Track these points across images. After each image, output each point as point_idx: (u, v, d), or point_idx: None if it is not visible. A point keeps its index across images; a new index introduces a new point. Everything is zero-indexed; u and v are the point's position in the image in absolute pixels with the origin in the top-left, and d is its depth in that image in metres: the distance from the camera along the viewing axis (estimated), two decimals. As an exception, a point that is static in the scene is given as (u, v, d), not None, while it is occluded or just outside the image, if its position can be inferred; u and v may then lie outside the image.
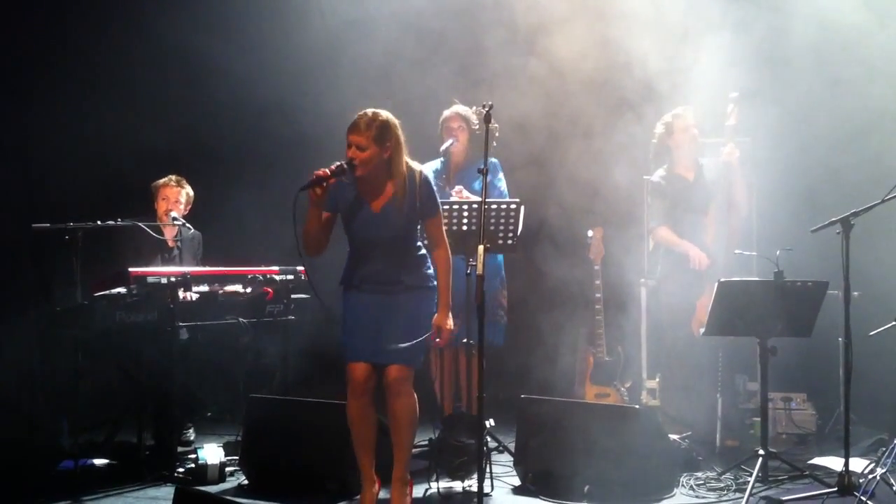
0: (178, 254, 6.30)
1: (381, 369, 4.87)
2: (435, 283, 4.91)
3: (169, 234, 6.40)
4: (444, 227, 4.99)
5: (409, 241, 4.90)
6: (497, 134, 6.14)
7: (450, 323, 4.86)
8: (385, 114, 4.77)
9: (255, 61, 7.42)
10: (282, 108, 7.47)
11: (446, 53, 6.92)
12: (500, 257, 6.15)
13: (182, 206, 6.42)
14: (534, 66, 6.85)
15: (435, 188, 4.91)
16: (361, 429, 4.90)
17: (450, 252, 4.92)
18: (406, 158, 4.82)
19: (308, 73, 7.32)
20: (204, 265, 6.32)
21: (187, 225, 6.27)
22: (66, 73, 7.34)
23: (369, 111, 4.75)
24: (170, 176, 6.48)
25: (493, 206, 5.70)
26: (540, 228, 6.82)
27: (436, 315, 4.86)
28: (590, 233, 6.84)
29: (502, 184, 6.16)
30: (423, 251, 4.95)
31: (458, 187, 5.95)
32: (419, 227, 4.94)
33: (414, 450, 5.15)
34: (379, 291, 4.83)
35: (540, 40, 6.84)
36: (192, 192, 6.51)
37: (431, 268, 4.94)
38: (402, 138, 4.79)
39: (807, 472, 5.50)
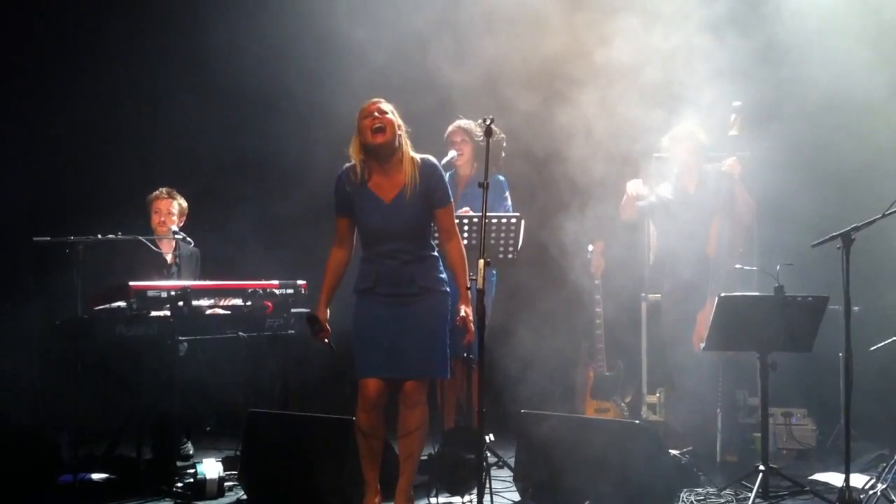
0: (176, 270, 6.29)
1: (393, 382, 4.86)
2: (447, 287, 4.90)
3: (166, 248, 6.39)
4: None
5: (423, 236, 4.89)
6: (504, 144, 6.13)
7: (469, 311, 4.75)
8: None
9: (263, 77, 7.43)
10: (283, 122, 7.48)
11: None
12: (494, 276, 6.12)
13: (175, 218, 6.41)
14: (537, 77, 6.86)
15: (446, 178, 4.96)
16: (371, 443, 4.88)
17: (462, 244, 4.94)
18: (412, 152, 4.87)
19: (311, 88, 7.32)
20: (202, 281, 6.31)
21: (188, 239, 6.27)
22: (70, 85, 7.36)
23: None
24: (161, 188, 6.48)
25: (494, 221, 5.70)
26: (540, 242, 6.82)
27: (457, 306, 4.80)
28: (590, 247, 6.84)
29: (508, 202, 6.15)
30: (436, 252, 4.95)
31: (465, 208, 5.94)
32: (432, 224, 4.94)
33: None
34: (394, 300, 4.80)
35: (543, 56, 6.86)
36: (184, 204, 6.50)
37: (444, 272, 4.93)
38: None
39: (807, 488, 5.48)
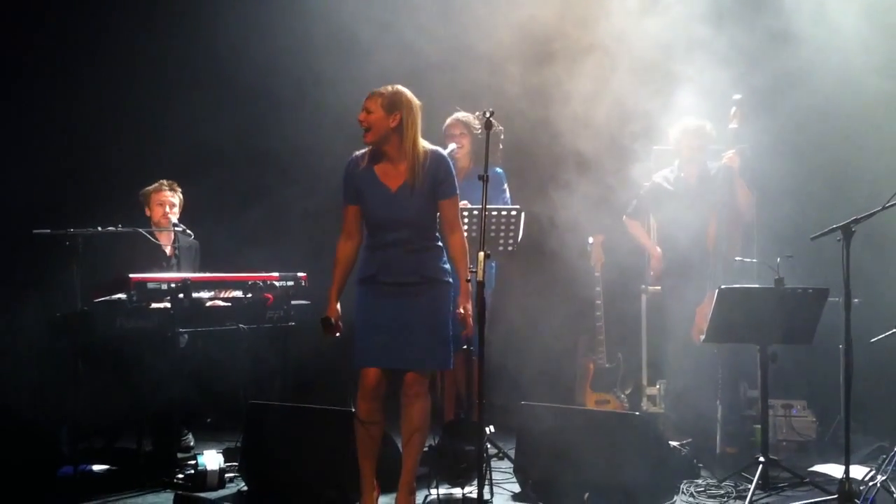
0: (176, 262, 6.28)
1: (393, 373, 4.86)
2: (450, 278, 4.89)
3: (165, 240, 6.38)
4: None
5: (428, 227, 4.88)
6: (502, 136, 6.13)
7: (469, 307, 4.78)
8: (402, 89, 4.82)
9: (268, 66, 7.40)
10: (285, 114, 7.47)
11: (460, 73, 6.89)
12: (494, 268, 6.11)
13: (177, 210, 6.40)
14: (538, 75, 6.85)
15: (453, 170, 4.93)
16: (368, 434, 4.88)
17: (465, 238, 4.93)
18: (422, 140, 4.84)
19: (321, 82, 7.30)
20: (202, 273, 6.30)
21: (188, 231, 6.27)
22: (68, 76, 7.34)
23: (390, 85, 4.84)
24: (160, 181, 6.43)
25: (494, 213, 5.70)
26: (540, 235, 6.82)
27: (457, 300, 4.81)
28: (590, 240, 6.85)
29: (506, 194, 6.16)
30: (440, 243, 4.94)
31: (463, 202, 5.94)
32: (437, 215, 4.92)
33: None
34: (397, 290, 4.79)
35: (545, 50, 6.86)
36: (181, 196, 6.49)
37: (448, 262, 4.92)
38: (418, 118, 4.81)
39: (807, 480, 5.50)
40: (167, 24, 7.52)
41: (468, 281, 4.74)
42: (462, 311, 4.78)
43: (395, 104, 4.77)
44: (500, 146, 6.15)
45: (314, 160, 6.89)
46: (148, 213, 6.43)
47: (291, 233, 7.36)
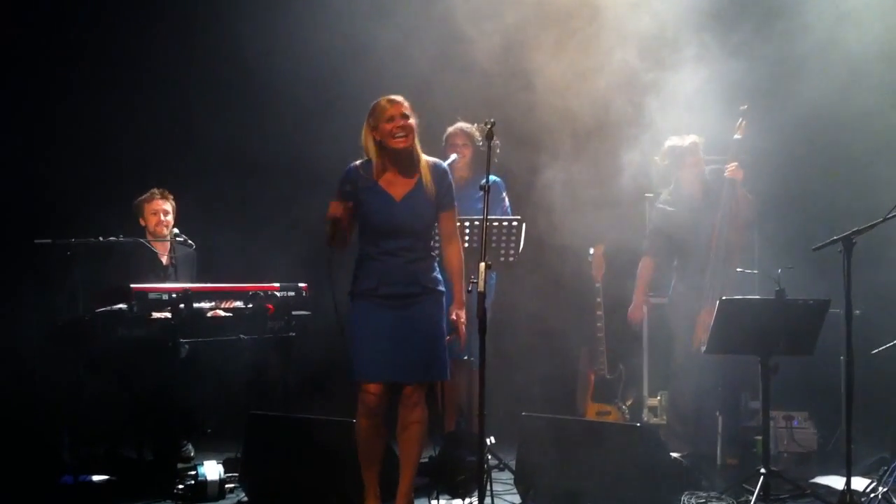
0: (173, 272, 6.28)
1: (393, 385, 4.86)
2: (443, 287, 4.91)
3: (162, 249, 6.37)
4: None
5: (427, 236, 4.91)
6: (498, 150, 6.15)
7: (462, 316, 4.83)
8: None
9: (288, 75, 7.40)
10: (286, 123, 7.47)
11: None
12: (494, 278, 6.11)
13: (171, 218, 6.40)
14: (536, 82, 6.86)
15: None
16: (372, 447, 4.88)
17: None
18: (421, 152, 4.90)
19: (322, 92, 7.31)
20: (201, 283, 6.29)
21: (189, 242, 6.26)
22: (70, 85, 7.35)
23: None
24: (152, 190, 6.41)
25: (495, 224, 5.71)
26: (541, 245, 6.82)
27: (451, 308, 4.86)
28: (591, 250, 6.85)
29: (506, 203, 6.17)
30: (434, 253, 4.96)
31: None
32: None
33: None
34: (395, 303, 4.80)
35: (541, 57, 6.87)
36: (174, 203, 6.48)
37: (440, 273, 4.94)
38: None
39: (809, 491, 5.48)
40: (188, 32, 7.50)
41: (469, 291, 4.74)
42: (454, 317, 4.82)
43: (412, 111, 4.84)
44: (496, 160, 6.15)
45: (329, 169, 6.88)
46: (143, 223, 6.41)
47: (305, 242, 7.33)
